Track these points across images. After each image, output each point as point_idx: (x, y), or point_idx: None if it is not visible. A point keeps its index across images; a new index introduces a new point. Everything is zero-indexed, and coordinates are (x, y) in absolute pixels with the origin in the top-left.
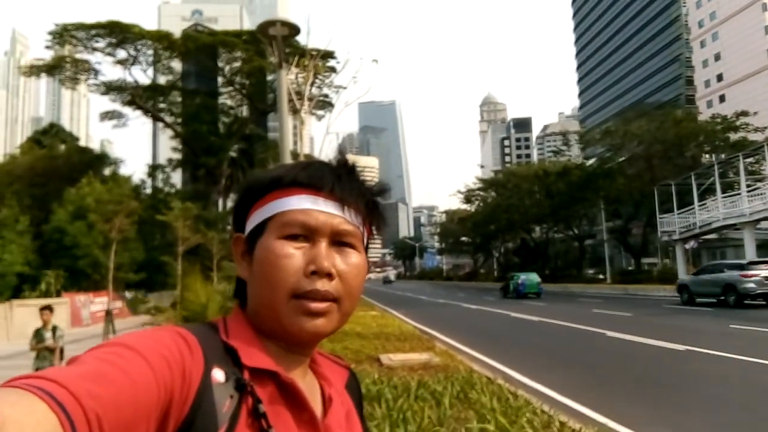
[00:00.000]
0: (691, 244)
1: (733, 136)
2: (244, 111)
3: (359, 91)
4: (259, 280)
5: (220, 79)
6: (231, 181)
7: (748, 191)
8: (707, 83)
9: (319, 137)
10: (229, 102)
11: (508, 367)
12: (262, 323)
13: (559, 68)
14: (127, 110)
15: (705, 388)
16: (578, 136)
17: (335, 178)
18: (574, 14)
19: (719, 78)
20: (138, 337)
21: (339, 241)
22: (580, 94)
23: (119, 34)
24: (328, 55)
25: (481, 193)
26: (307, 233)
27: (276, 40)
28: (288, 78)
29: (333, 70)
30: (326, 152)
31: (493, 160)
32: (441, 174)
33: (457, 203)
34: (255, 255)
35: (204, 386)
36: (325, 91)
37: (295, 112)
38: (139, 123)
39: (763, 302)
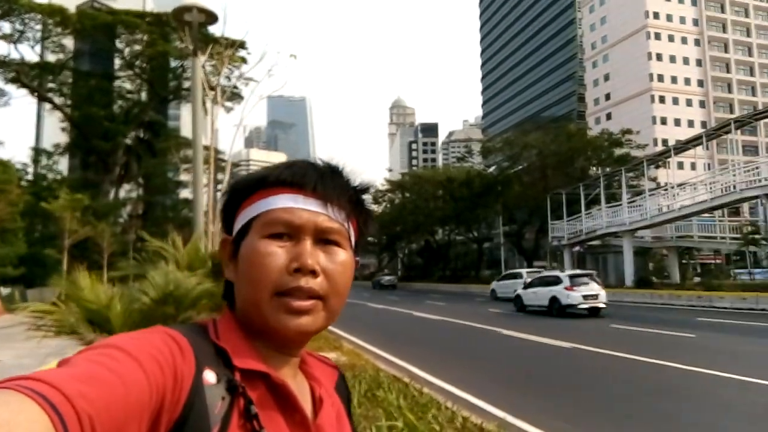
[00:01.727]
0: (578, 249)
1: (618, 151)
2: (144, 96)
3: (275, 85)
4: (244, 279)
5: (117, 61)
6: (126, 170)
7: (629, 202)
8: (597, 101)
9: (224, 129)
10: (127, 86)
11: (412, 365)
12: (249, 323)
13: (465, 78)
14: (11, 88)
15: (592, 382)
16: (481, 144)
17: (318, 176)
18: (481, 27)
19: (607, 97)
20: (128, 338)
21: (324, 239)
22: (484, 103)
23: (5, 4)
24: (240, 45)
25: (389, 194)
26: (290, 231)
27: (191, 27)
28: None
29: (244, 60)
30: (236, 145)
31: (401, 162)
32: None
33: None
34: (240, 255)
35: (196, 387)
36: (235, 82)
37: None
38: (23, 103)
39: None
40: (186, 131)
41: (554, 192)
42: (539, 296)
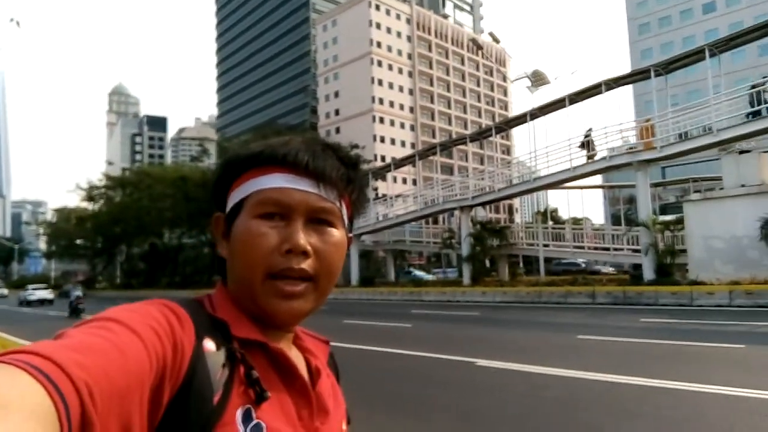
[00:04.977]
0: None
1: None
2: None
3: None
4: (237, 259)
5: None
6: None
7: None
8: (328, 115)
9: None
10: None
11: None
12: (242, 301)
13: (198, 74)
14: None
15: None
16: (216, 144)
17: (310, 155)
18: (218, 24)
19: (337, 112)
20: (124, 310)
21: (316, 218)
22: (219, 103)
23: None
24: None
25: (109, 191)
26: (282, 212)
27: None
28: None
29: None
30: None
31: (122, 156)
32: (56, 165)
33: (77, 200)
34: (232, 234)
35: (197, 355)
36: None
37: None
38: None
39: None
40: None
41: None
42: None
